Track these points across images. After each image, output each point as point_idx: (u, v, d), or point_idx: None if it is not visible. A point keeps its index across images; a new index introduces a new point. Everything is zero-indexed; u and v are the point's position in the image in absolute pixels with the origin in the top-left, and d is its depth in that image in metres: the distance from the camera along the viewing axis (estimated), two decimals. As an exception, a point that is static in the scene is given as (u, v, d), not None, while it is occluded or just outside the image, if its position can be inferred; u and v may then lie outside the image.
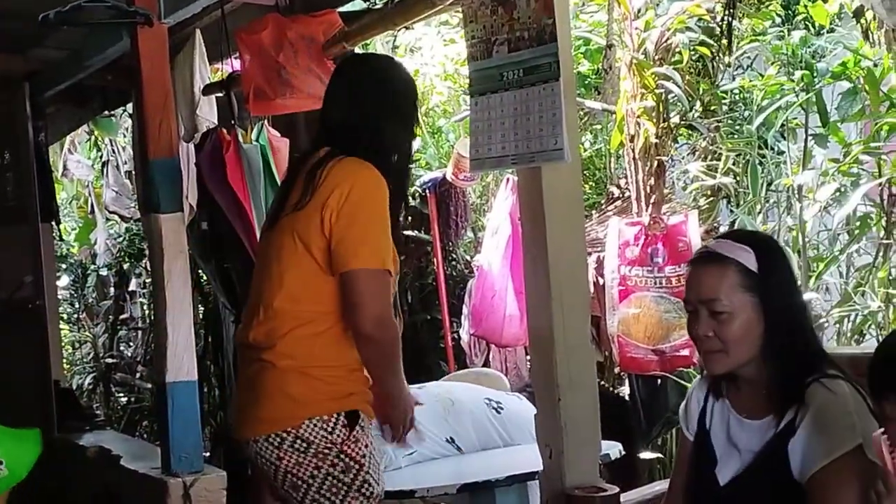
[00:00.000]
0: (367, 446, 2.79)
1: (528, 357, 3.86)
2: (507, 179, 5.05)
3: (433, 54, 6.10)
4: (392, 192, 2.90)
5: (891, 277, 4.19)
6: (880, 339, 4.17)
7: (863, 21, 4.41)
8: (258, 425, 2.81)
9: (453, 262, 5.95)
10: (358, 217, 2.79)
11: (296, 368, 2.78)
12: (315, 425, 2.74)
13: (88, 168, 8.72)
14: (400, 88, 3.10)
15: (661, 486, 3.05)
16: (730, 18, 3.63)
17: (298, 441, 2.76)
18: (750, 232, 2.85)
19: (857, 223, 4.48)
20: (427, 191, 5.62)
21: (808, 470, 2.31)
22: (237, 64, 4.97)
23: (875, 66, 4.27)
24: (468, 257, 5.72)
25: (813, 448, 2.32)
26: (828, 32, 5.01)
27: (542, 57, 2.71)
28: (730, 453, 2.47)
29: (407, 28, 5.27)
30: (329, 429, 2.74)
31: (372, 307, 2.76)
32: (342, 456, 2.74)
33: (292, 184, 2.92)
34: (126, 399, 8.08)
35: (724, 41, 4.94)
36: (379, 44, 6.37)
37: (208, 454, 4.86)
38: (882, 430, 1.99)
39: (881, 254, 4.32)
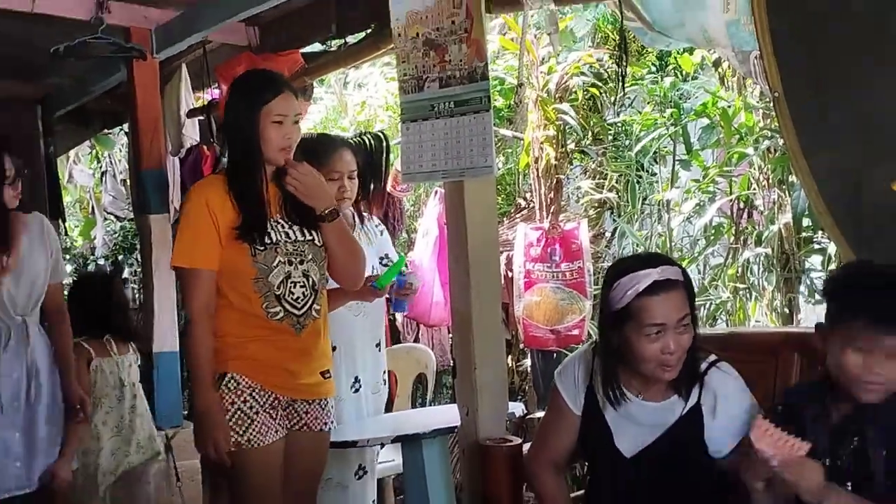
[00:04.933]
0: (232, 403, 2.68)
1: (451, 335, 3.87)
2: (436, 192, 5.05)
3: (377, 89, 6.09)
4: (233, 173, 2.77)
5: (738, 274, 4.25)
6: (729, 323, 4.24)
7: (720, 70, 4.48)
8: None
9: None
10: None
11: None
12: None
13: (90, 176, 8.59)
14: (227, 97, 2.89)
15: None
16: (623, 67, 3.68)
17: None
18: (659, 255, 2.71)
19: (713, 231, 4.54)
20: (370, 199, 5.60)
21: (729, 446, 2.30)
22: (216, 93, 4.93)
23: (729, 106, 4.32)
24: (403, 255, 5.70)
25: (732, 430, 2.30)
26: (692, 79, 5.07)
27: (473, 92, 2.73)
28: (627, 428, 2.37)
29: (356, 67, 5.26)
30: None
31: (183, 300, 2.75)
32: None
33: None
34: (119, 367, 7.93)
35: (612, 84, 4.98)
36: (333, 79, 6.35)
37: (186, 412, 4.79)
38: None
39: (730, 255, 4.38)
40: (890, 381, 2.04)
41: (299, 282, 2.75)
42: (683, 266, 2.45)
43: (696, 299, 4.31)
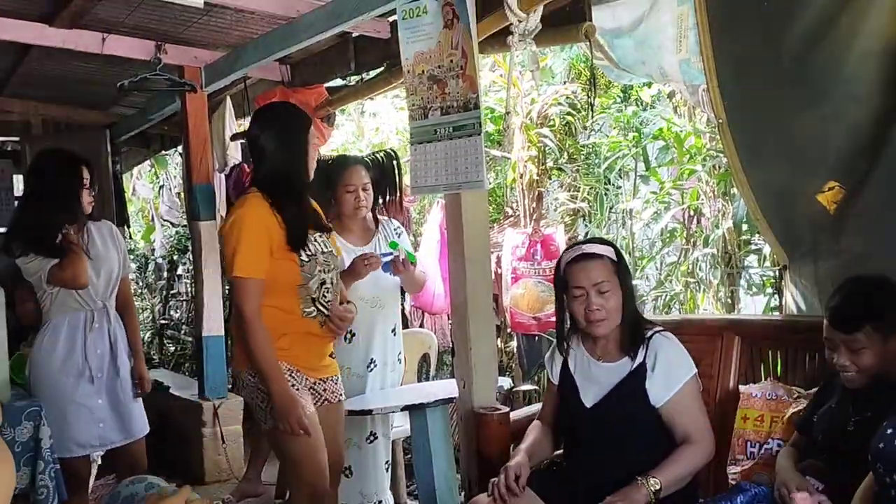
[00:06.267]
0: None
1: (450, 321, 3.88)
2: (438, 202, 5.05)
3: (389, 117, 6.10)
4: (284, 193, 2.65)
5: (688, 270, 4.25)
6: (681, 311, 4.24)
7: (674, 100, 4.48)
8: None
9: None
10: (225, 239, 2.63)
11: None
12: (246, 373, 2.67)
13: (150, 190, 8.62)
14: (267, 125, 2.71)
15: (536, 407, 3.07)
16: (593, 98, 3.70)
17: (237, 381, 2.78)
18: (601, 238, 2.84)
19: (668, 234, 4.54)
20: (383, 208, 5.58)
21: (665, 396, 2.35)
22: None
23: (681, 131, 4.33)
24: (410, 254, 5.68)
25: (668, 382, 2.35)
26: (651, 108, 5.07)
27: (468, 119, 2.72)
28: (589, 385, 2.45)
29: (371, 98, 5.27)
30: (252, 374, 2.64)
31: (238, 306, 2.61)
32: (258, 390, 2.63)
33: None
34: (174, 348, 7.94)
35: (584, 112, 4.99)
36: (352, 109, 6.35)
37: (230, 386, 4.80)
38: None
39: (682, 255, 4.38)
40: (861, 370, 2.08)
41: (331, 288, 2.74)
42: (630, 256, 2.55)
43: (654, 291, 4.37)
